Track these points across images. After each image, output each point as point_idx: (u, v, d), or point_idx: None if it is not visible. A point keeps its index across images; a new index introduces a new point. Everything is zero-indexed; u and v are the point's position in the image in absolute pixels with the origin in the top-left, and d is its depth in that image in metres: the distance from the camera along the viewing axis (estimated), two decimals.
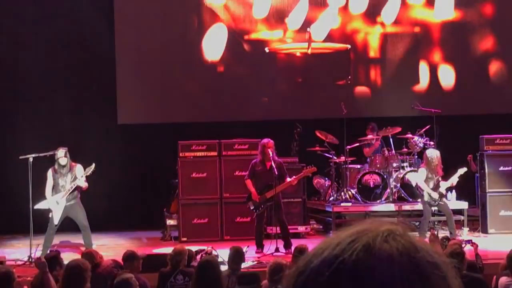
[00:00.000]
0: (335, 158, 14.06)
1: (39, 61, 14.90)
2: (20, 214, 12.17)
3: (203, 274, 7.34)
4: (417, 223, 12.87)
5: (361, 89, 15.71)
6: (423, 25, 15.77)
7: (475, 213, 14.00)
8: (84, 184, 11.43)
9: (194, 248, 9.69)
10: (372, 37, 15.71)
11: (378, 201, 13.70)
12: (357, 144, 14.30)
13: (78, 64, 14.96)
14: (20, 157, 11.64)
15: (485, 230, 13.63)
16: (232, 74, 15.45)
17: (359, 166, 14.21)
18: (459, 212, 13.52)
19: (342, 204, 13.73)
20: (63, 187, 11.51)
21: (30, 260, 10.89)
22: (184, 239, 13.01)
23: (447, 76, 15.80)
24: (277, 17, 15.46)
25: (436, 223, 13.60)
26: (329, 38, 15.51)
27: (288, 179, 11.94)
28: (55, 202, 11.47)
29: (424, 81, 15.78)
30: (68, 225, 11.83)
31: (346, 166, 14.02)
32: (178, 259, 8.11)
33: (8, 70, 14.94)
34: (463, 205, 13.57)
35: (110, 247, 12.46)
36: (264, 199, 11.83)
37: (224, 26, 15.36)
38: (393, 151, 14.07)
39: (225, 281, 7.78)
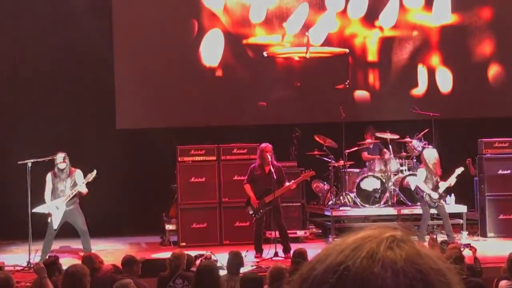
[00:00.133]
0: (334, 162, 14.06)
1: (38, 66, 14.89)
2: (19, 219, 12.16)
3: (202, 278, 7.34)
4: (416, 227, 12.86)
5: (359, 93, 15.71)
6: (422, 29, 15.78)
7: (474, 216, 14.00)
8: (84, 189, 11.43)
9: (193, 253, 9.69)
10: (370, 41, 15.72)
11: (377, 205, 13.70)
12: (356, 148, 14.31)
13: (77, 69, 14.95)
14: (19, 163, 11.63)
15: (484, 234, 13.63)
16: (230, 79, 15.45)
17: (358, 170, 14.21)
18: (458, 216, 13.52)
19: (341, 208, 13.72)
20: (62, 192, 11.50)
21: (29, 265, 10.87)
22: (183, 244, 13.00)
23: (446, 80, 15.80)
24: (275, 22, 15.46)
25: (435, 227, 13.60)
26: (328, 42, 15.51)
27: (287, 184, 11.93)
28: (55, 207, 11.46)
29: (422, 84, 15.79)
30: (68, 230, 11.83)
31: (345, 170, 14.02)
32: (177, 263, 8.10)
33: (7, 75, 14.93)
34: (462, 208, 13.57)
35: (109, 252, 12.44)
36: (263, 203, 11.83)
37: (222, 31, 15.36)
38: (392, 155, 14.07)
39: (224, 285, 7.77)
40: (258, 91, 15.49)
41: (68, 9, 14.84)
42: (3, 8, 14.88)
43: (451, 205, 13.37)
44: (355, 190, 13.70)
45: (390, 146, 14.11)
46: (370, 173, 13.86)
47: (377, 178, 13.78)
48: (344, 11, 15.52)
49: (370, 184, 13.77)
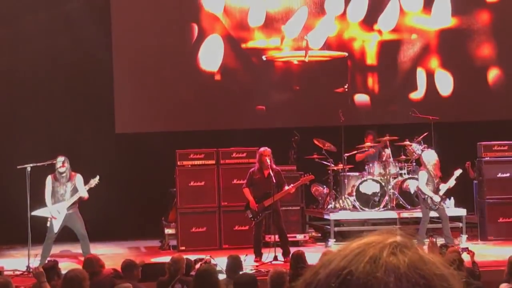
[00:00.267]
0: (333, 165, 14.06)
1: (37, 70, 14.89)
2: (18, 224, 12.15)
3: (201, 283, 7.33)
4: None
5: (358, 97, 15.72)
6: (420, 32, 15.80)
7: (474, 220, 14.00)
8: (86, 195, 11.43)
9: (192, 257, 9.68)
10: (369, 45, 15.73)
11: (376, 208, 13.69)
12: (355, 152, 14.32)
13: (76, 73, 14.95)
14: (18, 167, 11.63)
15: (484, 237, 13.62)
16: (229, 83, 15.46)
17: (357, 174, 14.21)
18: (457, 219, 13.52)
19: (340, 212, 13.72)
20: (62, 196, 11.49)
21: (28, 270, 10.86)
22: (183, 248, 12.99)
23: (445, 83, 15.81)
24: (274, 25, 15.47)
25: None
26: (327, 46, 15.52)
27: (287, 187, 11.93)
28: (56, 211, 11.45)
29: (421, 88, 15.80)
30: (68, 234, 11.82)
31: (344, 173, 14.03)
32: (176, 268, 8.09)
33: (5, 80, 14.92)
34: (462, 212, 13.57)
35: (109, 257, 12.40)
36: (262, 207, 11.83)
37: (222, 35, 15.37)
38: (391, 158, 14.07)
39: None
40: (257, 95, 15.50)
41: (66, 12, 14.84)
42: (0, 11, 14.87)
43: (451, 208, 13.37)
44: (354, 193, 13.70)
45: (390, 149, 14.12)
46: (369, 177, 13.86)
47: (377, 181, 13.78)
48: (343, 15, 15.53)
49: (369, 187, 13.76)
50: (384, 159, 14.07)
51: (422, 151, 13.70)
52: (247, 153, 13.53)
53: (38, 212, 11.51)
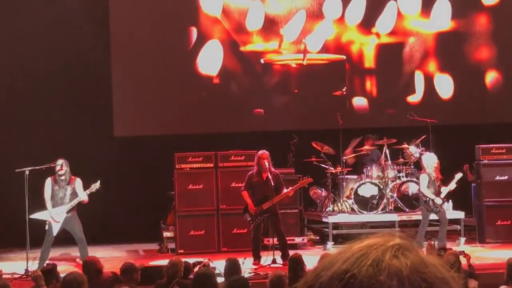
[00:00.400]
0: (332, 168, 14.06)
1: (35, 73, 14.88)
2: (17, 227, 12.13)
3: (200, 286, 7.32)
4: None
5: (356, 100, 15.73)
6: (418, 35, 15.81)
7: (472, 222, 14.01)
8: (85, 198, 11.42)
9: (191, 260, 9.67)
10: (367, 48, 15.74)
11: (374, 211, 13.70)
12: (353, 155, 14.33)
13: (74, 76, 14.95)
14: (16, 170, 11.62)
15: (482, 240, 13.63)
16: (227, 86, 15.47)
17: (355, 177, 14.22)
18: (455, 222, 13.53)
19: (338, 215, 13.73)
20: (61, 199, 11.48)
21: (27, 273, 10.85)
22: (181, 251, 12.99)
23: (443, 86, 15.82)
24: (273, 29, 15.48)
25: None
26: (325, 49, 15.53)
27: (285, 190, 11.94)
28: (57, 215, 11.44)
29: (419, 91, 15.81)
30: (67, 238, 11.81)
31: (343, 176, 14.04)
32: (175, 271, 8.08)
33: (3, 82, 14.92)
34: (460, 215, 13.58)
35: (107, 260, 12.38)
36: (260, 210, 11.83)
37: (220, 38, 15.37)
38: (389, 161, 14.09)
39: None
40: (255, 98, 15.51)
41: (65, 16, 14.84)
42: None
43: (449, 211, 13.37)
44: (352, 196, 13.71)
45: (388, 152, 14.13)
46: (367, 180, 13.87)
47: (375, 184, 13.79)
48: (341, 18, 15.54)
49: (367, 190, 13.77)
50: (381, 161, 14.07)
51: (420, 154, 13.72)
52: (245, 156, 13.53)
53: (36, 215, 11.50)
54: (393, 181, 14.02)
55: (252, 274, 10.74)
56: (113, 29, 15.12)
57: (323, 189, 14.38)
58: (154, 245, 14.00)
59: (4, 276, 10.47)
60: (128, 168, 14.93)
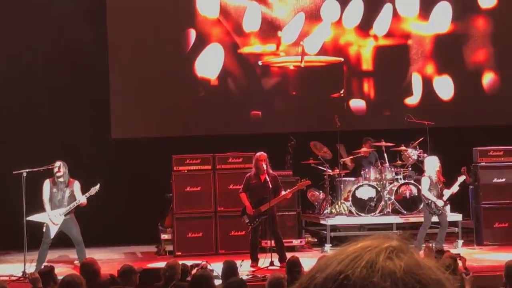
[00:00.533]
0: (329, 171, 14.07)
1: (33, 75, 14.88)
2: (14, 229, 12.12)
3: None
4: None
5: (354, 102, 15.74)
6: (416, 37, 15.82)
7: (470, 225, 14.02)
8: (84, 200, 11.42)
9: (188, 262, 9.67)
10: (365, 50, 15.76)
11: (372, 213, 13.70)
12: (351, 157, 14.35)
13: (72, 78, 14.95)
14: (14, 172, 11.61)
15: (479, 242, 13.64)
16: (225, 88, 15.47)
17: (353, 179, 14.23)
18: (453, 224, 13.53)
19: (336, 217, 13.73)
20: (59, 202, 11.47)
21: (24, 275, 10.84)
22: (179, 253, 12.99)
23: (440, 88, 15.83)
24: (271, 31, 15.49)
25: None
26: (322, 51, 15.54)
27: (283, 192, 11.94)
28: (55, 217, 11.43)
29: (417, 93, 15.82)
30: (65, 240, 11.80)
31: (340, 179, 14.04)
32: (172, 273, 8.07)
33: (1, 84, 14.91)
34: (457, 217, 13.58)
35: (105, 262, 12.37)
36: (258, 212, 11.83)
37: (218, 40, 15.38)
38: (387, 164, 14.09)
39: None
40: (253, 100, 15.52)
41: (63, 19, 14.84)
42: None
43: (447, 214, 13.37)
44: (350, 198, 13.71)
45: (385, 155, 14.14)
46: (365, 182, 13.87)
47: (373, 187, 13.80)
48: (339, 21, 15.55)
49: (365, 192, 13.78)
50: (378, 163, 14.08)
51: (418, 156, 13.73)
52: (243, 158, 13.53)
53: (34, 218, 11.48)
54: (391, 184, 14.03)
55: (250, 276, 10.74)
56: (111, 31, 15.11)
57: (321, 191, 14.38)
58: (151, 247, 13.99)
59: (1, 278, 10.48)
60: (125, 170, 14.93)
